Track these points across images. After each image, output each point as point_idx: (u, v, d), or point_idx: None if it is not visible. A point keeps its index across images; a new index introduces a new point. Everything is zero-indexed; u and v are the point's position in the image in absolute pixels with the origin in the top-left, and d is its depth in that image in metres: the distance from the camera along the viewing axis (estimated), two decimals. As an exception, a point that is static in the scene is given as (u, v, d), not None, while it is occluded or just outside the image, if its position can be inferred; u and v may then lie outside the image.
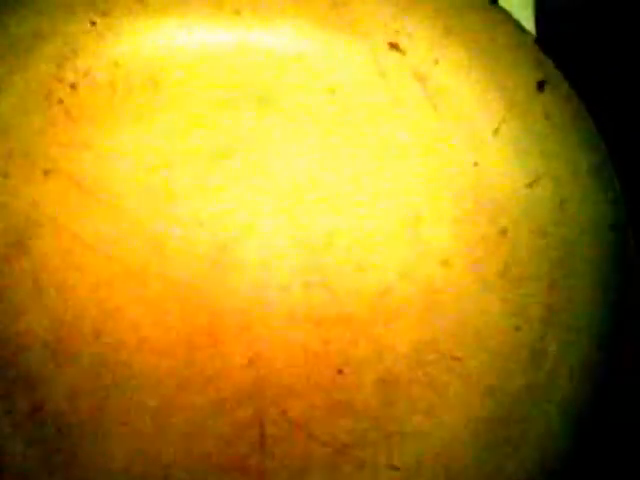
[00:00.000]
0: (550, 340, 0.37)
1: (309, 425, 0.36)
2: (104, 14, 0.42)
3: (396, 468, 0.36)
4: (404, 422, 0.37)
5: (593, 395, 0.37)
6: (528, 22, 0.47)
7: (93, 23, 0.42)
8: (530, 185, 0.40)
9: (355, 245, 0.39)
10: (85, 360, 0.37)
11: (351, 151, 0.41)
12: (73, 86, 0.42)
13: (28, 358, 0.37)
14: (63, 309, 0.38)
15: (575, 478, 0.35)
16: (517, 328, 0.38)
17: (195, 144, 0.41)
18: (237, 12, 0.42)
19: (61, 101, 0.42)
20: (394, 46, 0.42)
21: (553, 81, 0.40)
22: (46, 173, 0.40)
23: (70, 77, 0.42)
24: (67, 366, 0.37)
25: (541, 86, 0.41)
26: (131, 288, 0.39)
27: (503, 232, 0.39)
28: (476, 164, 0.40)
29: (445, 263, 0.39)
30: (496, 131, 0.41)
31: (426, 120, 0.41)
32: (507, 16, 0.42)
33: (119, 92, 0.42)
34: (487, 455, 0.36)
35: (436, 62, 0.41)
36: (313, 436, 0.36)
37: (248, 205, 0.40)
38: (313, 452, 0.36)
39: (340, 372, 0.37)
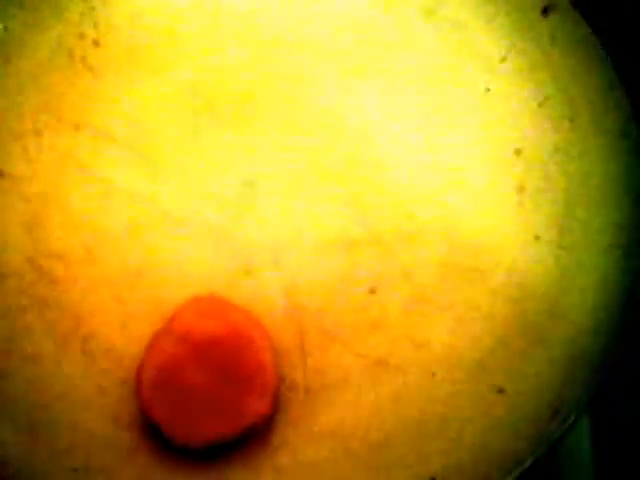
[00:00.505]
0: (568, 245, 0.39)
1: (347, 341, 0.38)
2: (121, -30, 0.44)
3: (431, 373, 0.38)
4: (434, 332, 0.38)
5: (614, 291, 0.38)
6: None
7: (110, -21, 0.44)
8: (540, 104, 0.41)
9: (379, 174, 0.41)
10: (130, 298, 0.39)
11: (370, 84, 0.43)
12: (95, 42, 0.43)
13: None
14: (102, 250, 0.40)
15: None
16: (536, 237, 0.40)
17: (220, 92, 0.43)
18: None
19: (84, 58, 0.43)
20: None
21: (558, 5, 0.42)
22: (76, 128, 0.42)
23: (91, 34, 0.43)
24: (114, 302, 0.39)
25: (546, 11, 0.42)
26: (166, 229, 0.40)
27: (517, 152, 0.41)
28: (488, 90, 0.42)
29: (462, 185, 0.41)
30: (504, 58, 0.43)
31: (437, 53, 0.43)
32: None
33: (139, 46, 0.44)
34: (510, 355, 0.38)
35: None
36: (351, 351, 0.38)
37: (273, 142, 0.42)
38: (352, 365, 0.38)
39: (372, 291, 0.39)
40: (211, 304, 0.37)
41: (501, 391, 0.37)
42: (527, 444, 0.34)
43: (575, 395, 0.35)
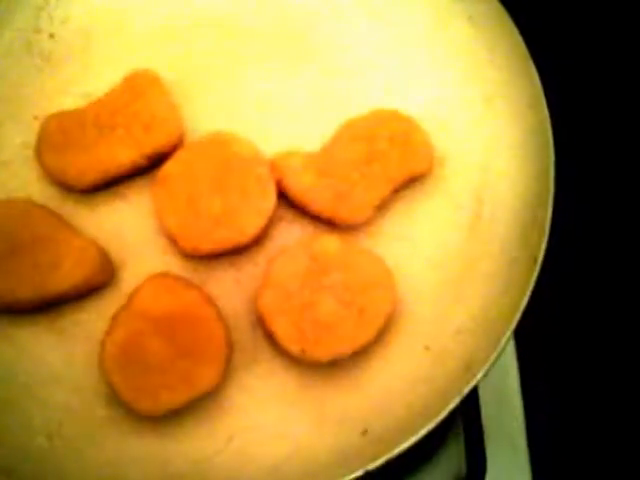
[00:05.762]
0: (485, 207, 0.42)
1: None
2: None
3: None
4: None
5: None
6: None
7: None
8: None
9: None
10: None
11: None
12: (51, 36, 0.46)
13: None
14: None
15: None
16: (457, 206, 0.43)
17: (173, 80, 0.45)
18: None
19: (41, 51, 0.46)
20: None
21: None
22: (36, 118, 0.44)
23: (48, 27, 0.46)
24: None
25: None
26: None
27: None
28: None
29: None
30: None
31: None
32: None
33: (93, 37, 0.46)
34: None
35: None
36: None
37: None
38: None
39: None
40: (166, 282, 0.39)
41: (427, 348, 0.39)
42: (456, 391, 0.35)
43: (489, 345, 0.37)
